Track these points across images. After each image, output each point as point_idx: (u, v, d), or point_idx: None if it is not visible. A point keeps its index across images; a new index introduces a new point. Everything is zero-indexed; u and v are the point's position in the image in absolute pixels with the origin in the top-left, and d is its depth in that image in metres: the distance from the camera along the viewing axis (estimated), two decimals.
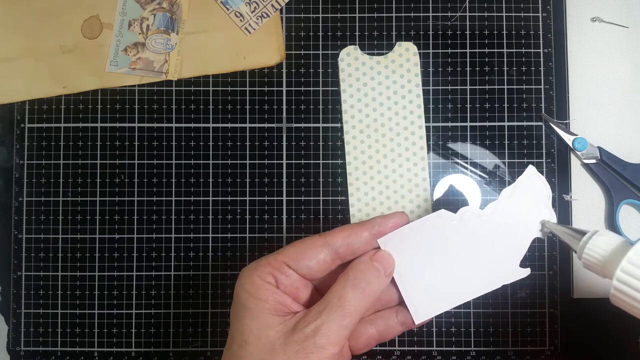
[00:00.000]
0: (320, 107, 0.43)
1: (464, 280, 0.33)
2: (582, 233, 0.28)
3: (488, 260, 0.32)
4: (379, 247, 0.32)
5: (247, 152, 0.43)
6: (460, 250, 0.32)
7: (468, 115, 0.43)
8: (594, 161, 0.42)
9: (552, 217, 0.33)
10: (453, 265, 0.32)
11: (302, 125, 0.43)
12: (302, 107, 0.43)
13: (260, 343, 0.29)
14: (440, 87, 0.43)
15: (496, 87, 0.43)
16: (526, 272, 0.33)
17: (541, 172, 0.43)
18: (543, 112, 0.43)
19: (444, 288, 0.33)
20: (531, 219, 0.33)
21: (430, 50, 0.44)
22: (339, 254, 0.31)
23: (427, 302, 0.33)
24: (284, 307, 0.30)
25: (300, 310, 0.31)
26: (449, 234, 0.32)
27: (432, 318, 0.33)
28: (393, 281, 0.33)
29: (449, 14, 0.44)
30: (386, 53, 0.43)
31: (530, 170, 0.33)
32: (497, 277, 0.32)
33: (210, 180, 0.43)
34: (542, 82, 0.43)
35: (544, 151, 0.43)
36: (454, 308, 0.33)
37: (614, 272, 0.25)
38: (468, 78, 0.43)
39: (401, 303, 0.34)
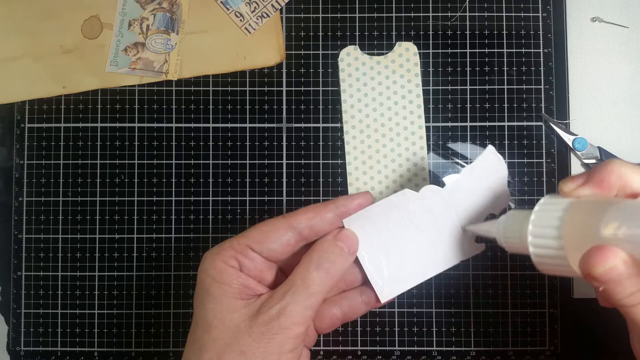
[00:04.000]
0: (320, 107, 0.43)
1: (426, 258, 0.33)
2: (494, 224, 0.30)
3: (448, 237, 0.33)
4: (342, 227, 0.32)
5: (247, 152, 0.43)
6: (423, 228, 0.33)
7: (468, 115, 0.43)
8: (594, 161, 0.42)
9: (505, 195, 0.34)
10: (416, 243, 0.33)
11: (302, 125, 0.43)
12: (302, 107, 0.43)
13: (224, 327, 0.29)
14: (440, 87, 0.43)
15: (496, 87, 0.43)
16: (481, 247, 0.33)
17: (541, 172, 0.43)
18: (543, 112, 0.43)
19: (407, 266, 0.33)
20: (487, 197, 0.33)
21: (430, 50, 0.44)
22: (303, 236, 0.31)
23: (391, 281, 0.33)
24: (248, 290, 0.30)
25: (265, 292, 0.30)
26: (412, 212, 0.33)
27: (400, 295, 0.34)
28: (357, 261, 0.33)
29: (449, 14, 0.44)
30: (386, 53, 0.43)
31: (489, 150, 0.34)
32: (456, 253, 0.33)
33: (210, 180, 0.43)
34: (542, 82, 0.43)
35: (544, 151, 0.43)
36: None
37: (527, 246, 0.26)
38: (468, 78, 0.43)
39: (365, 283, 0.34)
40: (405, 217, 0.33)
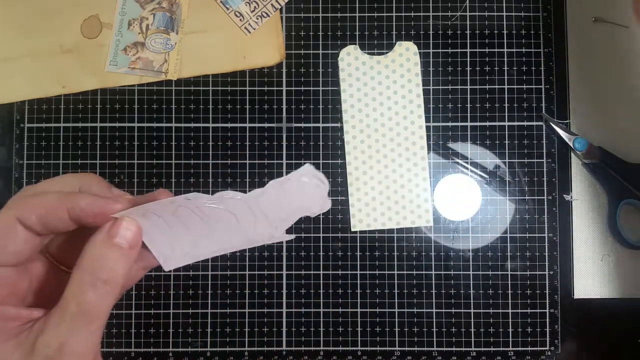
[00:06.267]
0: (320, 107, 0.43)
1: (222, 241, 0.29)
2: None
3: (250, 231, 0.30)
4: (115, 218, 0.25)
5: (247, 152, 0.43)
6: (224, 226, 0.29)
7: (468, 115, 0.43)
8: (594, 161, 0.42)
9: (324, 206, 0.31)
10: (211, 231, 0.29)
11: (302, 125, 0.43)
12: (302, 107, 0.43)
13: None
14: (440, 87, 0.43)
15: (496, 87, 0.43)
16: (290, 236, 0.30)
17: (541, 172, 0.43)
18: (543, 112, 0.43)
19: (198, 249, 0.29)
20: (301, 205, 0.31)
21: (430, 50, 0.43)
22: (47, 229, 0.24)
23: (178, 253, 0.28)
24: (12, 322, 0.23)
25: (40, 315, 0.23)
26: (210, 212, 0.28)
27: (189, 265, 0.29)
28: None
29: (449, 14, 0.44)
30: (386, 53, 0.43)
31: (307, 168, 0.31)
32: (258, 238, 0.30)
33: (210, 180, 0.43)
34: (542, 82, 0.43)
35: (544, 151, 0.43)
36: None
37: None
38: (468, 78, 0.43)
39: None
40: (200, 214, 0.28)
